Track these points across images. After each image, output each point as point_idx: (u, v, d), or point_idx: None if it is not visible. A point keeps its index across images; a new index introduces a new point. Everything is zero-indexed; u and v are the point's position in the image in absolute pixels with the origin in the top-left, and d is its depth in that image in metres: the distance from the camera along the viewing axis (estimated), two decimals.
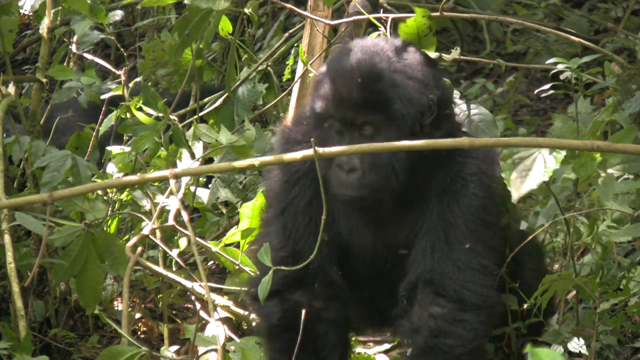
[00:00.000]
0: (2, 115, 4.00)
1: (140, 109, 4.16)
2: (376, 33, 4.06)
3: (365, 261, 3.35)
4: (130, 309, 4.42)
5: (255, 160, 2.96)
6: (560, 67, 3.97)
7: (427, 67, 3.22)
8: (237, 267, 3.97)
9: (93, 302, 3.84)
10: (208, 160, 4.55)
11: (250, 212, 4.02)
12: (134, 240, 3.40)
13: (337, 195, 3.18)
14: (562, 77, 4.03)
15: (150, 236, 3.55)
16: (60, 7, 4.49)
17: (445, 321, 3.18)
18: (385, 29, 3.85)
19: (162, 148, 4.23)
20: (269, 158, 3.05)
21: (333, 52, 3.28)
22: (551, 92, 4.14)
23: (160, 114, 4.11)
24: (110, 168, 4.37)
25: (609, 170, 3.54)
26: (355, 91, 3.13)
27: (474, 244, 3.21)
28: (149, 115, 4.13)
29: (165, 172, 2.94)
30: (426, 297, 3.19)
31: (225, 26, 4.67)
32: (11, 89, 4.23)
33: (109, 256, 3.78)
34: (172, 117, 4.19)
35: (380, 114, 3.13)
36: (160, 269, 3.98)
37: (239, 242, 4.04)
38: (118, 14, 4.52)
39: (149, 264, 3.89)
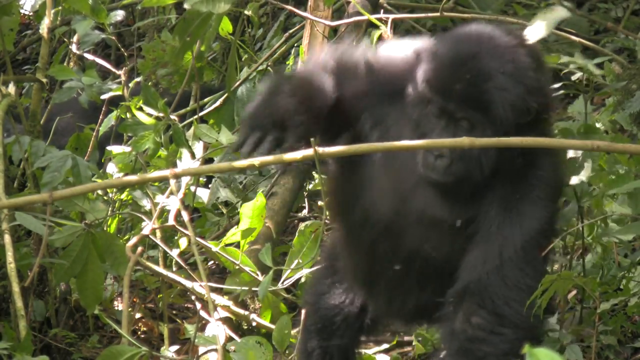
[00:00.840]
0: (3, 115, 4.00)
1: (140, 109, 4.16)
2: (377, 33, 4.06)
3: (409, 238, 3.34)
4: (130, 309, 4.43)
5: (256, 160, 2.96)
6: (571, 66, 3.97)
7: (536, 73, 3.20)
8: (237, 267, 3.97)
9: (93, 302, 3.84)
10: (208, 161, 4.56)
11: (250, 212, 4.02)
12: (134, 240, 3.40)
13: (422, 174, 3.19)
14: (573, 78, 4.03)
15: (151, 236, 3.55)
16: (60, 7, 4.49)
17: (483, 331, 3.19)
18: (386, 29, 3.85)
19: (162, 148, 4.23)
20: (269, 158, 3.04)
21: (452, 32, 3.26)
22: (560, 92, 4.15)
23: (161, 114, 4.11)
24: (111, 168, 4.37)
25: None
26: (462, 86, 3.12)
27: (526, 265, 3.21)
28: (149, 115, 4.13)
29: (166, 172, 2.93)
30: (470, 307, 3.20)
31: (226, 26, 4.67)
32: (11, 89, 4.23)
33: (110, 256, 3.78)
34: (172, 117, 4.19)
35: (481, 113, 3.12)
36: (160, 269, 3.97)
37: (239, 242, 4.04)
38: (119, 14, 4.52)
39: (149, 264, 3.89)
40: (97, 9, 4.31)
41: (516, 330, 3.19)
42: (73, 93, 4.39)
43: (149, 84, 4.83)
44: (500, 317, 3.19)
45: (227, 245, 4.00)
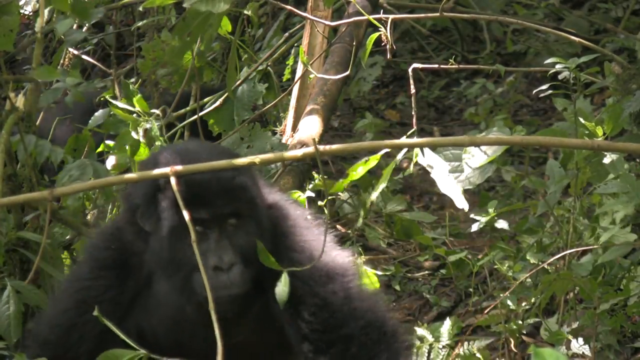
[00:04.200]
0: (11, 123, 3.97)
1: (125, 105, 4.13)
2: (375, 35, 4.06)
3: None
4: None
5: (256, 158, 2.96)
6: (558, 67, 3.98)
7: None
8: None
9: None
10: None
11: None
12: None
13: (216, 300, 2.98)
14: (560, 77, 4.04)
15: None
16: (51, 6, 4.47)
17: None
18: (386, 29, 3.85)
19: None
20: (269, 155, 3.04)
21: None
22: (550, 92, 4.15)
23: (138, 109, 4.07)
24: (110, 162, 4.34)
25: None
26: (213, 189, 3.07)
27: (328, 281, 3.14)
28: (130, 112, 4.10)
29: (166, 170, 2.92)
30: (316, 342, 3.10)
31: (226, 26, 4.67)
32: (20, 98, 4.22)
33: None
34: (155, 111, 4.16)
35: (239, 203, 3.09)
36: None
37: None
38: (99, 12, 4.49)
39: None
40: (79, 7, 4.27)
41: (357, 339, 3.07)
42: (58, 94, 4.36)
43: (148, 84, 4.83)
44: (337, 334, 3.07)
45: None
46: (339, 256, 3.16)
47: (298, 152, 3.08)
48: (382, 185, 4.19)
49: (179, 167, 2.88)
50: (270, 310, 3.11)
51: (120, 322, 3.11)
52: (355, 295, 3.10)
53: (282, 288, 3.01)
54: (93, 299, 3.14)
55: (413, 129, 3.88)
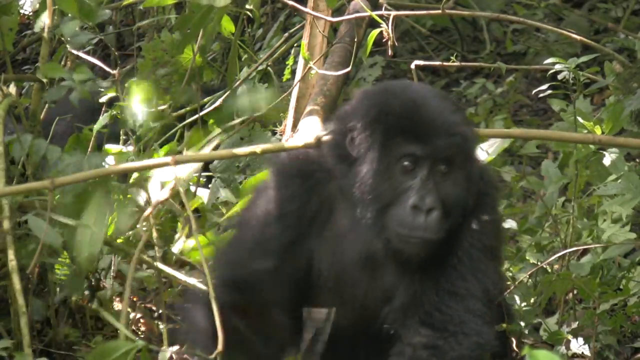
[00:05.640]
0: (3, 114, 3.98)
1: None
2: (376, 31, 4.05)
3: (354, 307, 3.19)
4: (129, 310, 4.43)
5: (257, 148, 2.95)
6: (558, 67, 3.98)
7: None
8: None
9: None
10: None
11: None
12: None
13: (397, 242, 3.00)
14: (559, 77, 4.04)
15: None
16: (56, 7, 4.47)
17: (425, 349, 3.04)
18: (387, 26, 3.84)
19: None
20: (269, 146, 3.02)
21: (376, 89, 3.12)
22: (549, 92, 4.14)
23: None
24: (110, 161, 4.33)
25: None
26: (436, 129, 3.07)
27: (467, 272, 3.11)
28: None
29: (167, 159, 2.91)
30: (409, 327, 3.08)
31: (228, 26, 4.66)
32: (12, 89, 4.22)
33: None
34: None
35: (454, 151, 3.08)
36: (164, 267, 3.95)
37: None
38: (107, 14, 4.49)
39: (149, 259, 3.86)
40: (85, 9, 4.27)
41: (458, 337, 3.05)
42: (64, 91, 4.35)
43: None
44: (436, 328, 3.04)
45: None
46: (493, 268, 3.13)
47: (299, 142, 3.06)
48: None
49: (179, 157, 2.87)
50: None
51: (297, 242, 3.07)
52: (478, 312, 3.06)
53: None
54: (278, 209, 3.09)
55: None
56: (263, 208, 3.15)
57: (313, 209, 3.11)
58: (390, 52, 4.01)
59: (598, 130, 3.94)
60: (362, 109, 3.07)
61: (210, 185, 4.84)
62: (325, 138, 3.14)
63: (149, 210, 3.33)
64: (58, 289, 4.31)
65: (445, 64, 3.54)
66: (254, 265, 3.11)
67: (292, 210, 3.11)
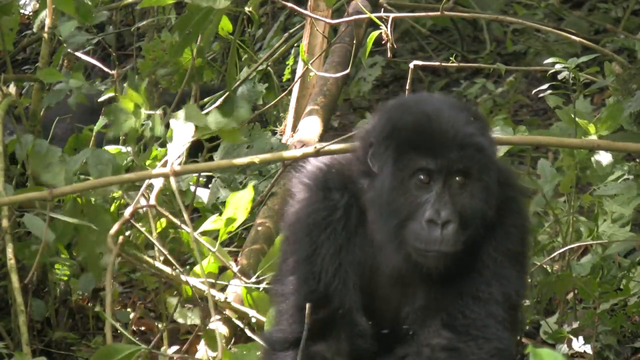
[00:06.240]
0: (3, 114, 3.99)
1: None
2: (376, 33, 4.06)
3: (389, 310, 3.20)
4: (129, 310, 4.43)
5: (256, 158, 2.96)
6: (558, 67, 3.98)
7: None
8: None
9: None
10: (209, 159, 4.55)
11: (236, 202, 3.87)
12: (116, 226, 3.30)
13: (420, 256, 3.00)
14: (559, 77, 4.04)
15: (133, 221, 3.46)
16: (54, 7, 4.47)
17: (443, 350, 3.04)
18: (386, 27, 3.85)
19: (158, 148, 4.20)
20: (268, 155, 3.03)
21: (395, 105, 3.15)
22: (549, 92, 4.15)
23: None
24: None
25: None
26: (451, 142, 3.04)
27: (491, 277, 3.11)
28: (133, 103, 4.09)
29: (166, 170, 2.92)
30: (429, 328, 3.08)
31: (226, 26, 4.67)
32: (12, 88, 4.23)
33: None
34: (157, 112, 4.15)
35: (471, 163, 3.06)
36: (162, 265, 3.95)
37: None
38: (104, 15, 4.49)
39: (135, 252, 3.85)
40: (83, 10, 4.27)
41: (478, 342, 3.05)
42: (62, 95, 4.36)
43: (149, 84, 4.83)
44: (457, 331, 3.05)
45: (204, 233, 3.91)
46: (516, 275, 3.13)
47: (297, 152, 3.07)
48: None
49: (177, 167, 2.88)
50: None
51: (344, 249, 3.09)
52: (500, 317, 3.06)
53: None
54: (324, 220, 3.10)
55: None
56: (309, 221, 3.15)
57: (355, 219, 3.14)
58: (389, 54, 4.02)
59: (592, 129, 3.94)
60: (379, 125, 3.09)
61: (210, 186, 4.84)
62: (351, 154, 3.19)
63: (128, 211, 3.33)
64: (58, 290, 4.32)
65: (444, 64, 3.53)
66: (323, 275, 3.12)
67: (336, 219, 3.12)
